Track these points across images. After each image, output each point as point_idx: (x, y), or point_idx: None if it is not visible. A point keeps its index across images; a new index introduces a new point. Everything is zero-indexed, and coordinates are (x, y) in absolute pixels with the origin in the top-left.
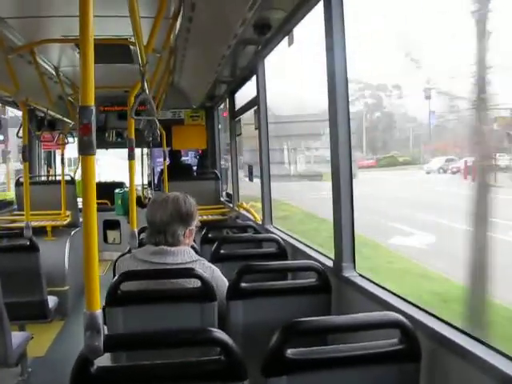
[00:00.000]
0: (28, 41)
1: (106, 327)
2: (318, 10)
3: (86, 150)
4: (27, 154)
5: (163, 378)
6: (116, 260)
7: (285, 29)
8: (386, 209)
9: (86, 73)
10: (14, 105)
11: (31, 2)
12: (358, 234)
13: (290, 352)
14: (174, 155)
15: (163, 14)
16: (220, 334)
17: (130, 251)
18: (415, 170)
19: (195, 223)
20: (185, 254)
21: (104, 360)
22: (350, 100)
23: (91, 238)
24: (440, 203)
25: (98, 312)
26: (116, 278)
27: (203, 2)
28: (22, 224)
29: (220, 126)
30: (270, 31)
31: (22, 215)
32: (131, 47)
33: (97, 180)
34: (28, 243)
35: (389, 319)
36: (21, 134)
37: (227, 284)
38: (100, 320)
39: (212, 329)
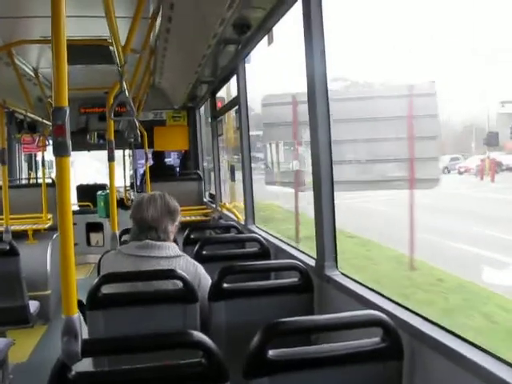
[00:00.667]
0: (5, 41)
1: (86, 331)
2: (298, 8)
3: (60, 152)
4: (6, 157)
5: (143, 381)
6: (101, 257)
7: (264, 27)
8: (425, 221)
9: (59, 73)
10: None
11: (9, 3)
12: (442, 271)
13: (271, 353)
14: (157, 156)
15: (141, 14)
16: (200, 336)
17: None
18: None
19: (179, 219)
20: (170, 248)
21: (85, 365)
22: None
23: (67, 241)
24: (482, 210)
25: (75, 317)
26: (96, 280)
27: (182, 1)
28: (2, 228)
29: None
30: (250, 30)
31: (2, 219)
32: (110, 48)
33: (71, 183)
34: (8, 247)
35: (371, 318)
36: None
37: (210, 282)
38: (77, 325)
39: (192, 331)
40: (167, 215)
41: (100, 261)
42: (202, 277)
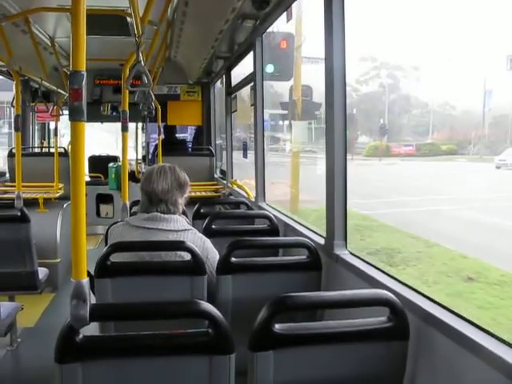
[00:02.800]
0: (22, 9)
1: (94, 297)
2: None
3: (76, 116)
4: (19, 124)
5: (149, 348)
6: (108, 228)
7: (284, 3)
8: None
9: (78, 38)
10: (7, 74)
11: None
12: None
13: (277, 327)
14: (169, 130)
15: None
16: (207, 306)
17: None
18: (464, 160)
19: (188, 191)
20: (177, 221)
21: (92, 330)
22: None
23: (79, 206)
24: None
25: (85, 281)
26: (105, 249)
27: None
28: (13, 195)
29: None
30: (269, 6)
31: (14, 186)
32: (128, 19)
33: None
34: (19, 214)
35: (378, 297)
36: (14, 103)
37: (217, 257)
38: (86, 289)
39: (199, 301)
40: (177, 188)
41: (108, 231)
42: (209, 251)
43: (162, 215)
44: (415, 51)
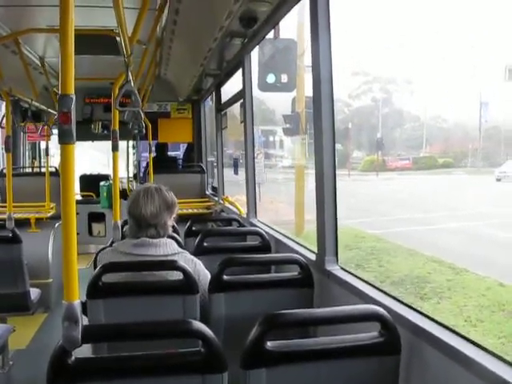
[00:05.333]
0: (12, 30)
1: (86, 318)
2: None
3: (65, 139)
4: (10, 144)
5: (142, 368)
6: (97, 254)
7: (271, 21)
8: None
9: (66, 61)
10: None
11: None
12: None
13: (269, 344)
14: (160, 148)
15: (148, 6)
16: (199, 325)
17: (112, 243)
18: (462, 173)
19: (177, 210)
20: (167, 246)
21: (85, 352)
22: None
23: (70, 228)
24: None
25: (76, 303)
26: (97, 269)
27: None
28: (4, 216)
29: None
30: (257, 24)
31: (5, 207)
32: (117, 38)
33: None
34: (10, 235)
35: (369, 312)
36: (4, 124)
37: (209, 277)
38: (78, 311)
39: (191, 320)
40: (165, 210)
41: (96, 257)
42: (201, 273)
43: (151, 240)
44: (408, 64)
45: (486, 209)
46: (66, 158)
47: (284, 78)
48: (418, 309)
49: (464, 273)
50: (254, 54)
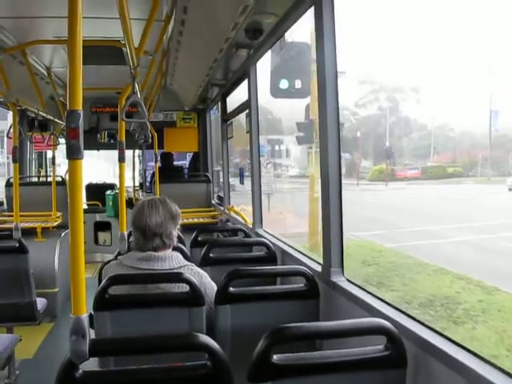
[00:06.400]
0: (20, 41)
1: (92, 331)
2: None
3: (73, 155)
4: (17, 155)
5: (148, 382)
6: (102, 267)
7: (276, 33)
8: None
9: (74, 76)
10: (4, 105)
11: (23, 3)
12: None
13: (275, 358)
14: (166, 157)
15: (155, 17)
16: (205, 338)
17: (118, 255)
18: (472, 183)
19: (180, 222)
20: (173, 259)
21: (91, 364)
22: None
23: (78, 243)
24: None
25: (84, 316)
26: (104, 281)
27: (195, 5)
28: (12, 225)
29: None
30: (262, 35)
31: (12, 216)
32: (124, 49)
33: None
34: (17, 245)
35: (375, 325)
36: (11, 134)
37: (215, 289)
38: (86, 324)
39: (197, 333)
40: (170, 220)
41: (101, 270)
42: (207, 286)
43: (157, 254)
44: (414, 72)
45: (504, 220)
46: (73, 172)
47: (298, 84)
48: (424, 322)
49: (496, 292)
50: (264, 61)
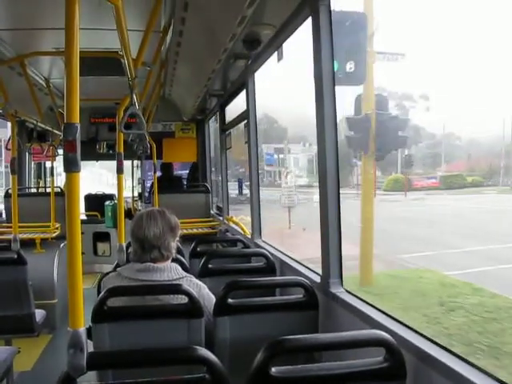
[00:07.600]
0: (18, 53)
1: (91, 343)
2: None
3: (71, 167)
4: (16, 166)
5: None
6: (101, 278)
7: (274, 44)
8: None
9: (72, 89)
10: (3, 117)
11: (22, 15)
12: None
13: (274, 370)
14: (165, 167)
15: (153, 28)
16: (204, 352)
17: (117, 266)
18: (496, 193)
19: (179, 233)
20: (171, 270)
21: (89, 377)
22: None
23: (75, 256)
24: None
25: (82, 330)
26: (102, 293)
27: (193, 16)
28: (10, 237)
29: None
30: (260, 46)
31: (10, 227)
32: (122, 60)
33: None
34: (16, 256)
35: (374, 337)
36: (10, 146)
37: (214, 300)
38: (83, 338)
39: (196, 347)
40: (169, 231)
41: (100, 282)
42: (205, 297)
43: (156, 265)
44: (424, 79)
45: None
46: (71, 185)
47: (350, 67)
48: (424, 333)
49: None
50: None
